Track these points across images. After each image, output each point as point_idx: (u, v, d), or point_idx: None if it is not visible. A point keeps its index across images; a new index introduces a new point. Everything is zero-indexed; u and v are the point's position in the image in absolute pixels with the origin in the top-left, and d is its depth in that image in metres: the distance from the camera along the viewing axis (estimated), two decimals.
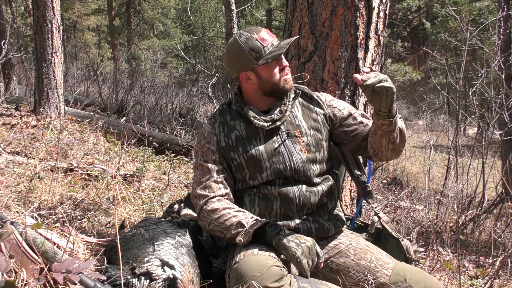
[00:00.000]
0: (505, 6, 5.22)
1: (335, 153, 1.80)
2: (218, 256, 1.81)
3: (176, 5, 21.14)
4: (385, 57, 15.32)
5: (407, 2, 17.66)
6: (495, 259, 2.61)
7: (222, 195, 1.58)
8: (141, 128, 5.34)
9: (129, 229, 1.71)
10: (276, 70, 1.58)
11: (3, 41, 6.13)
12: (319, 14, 2.12)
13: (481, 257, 2.78)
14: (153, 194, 3.02)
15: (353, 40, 2.10)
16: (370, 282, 1.40)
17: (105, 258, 1.66)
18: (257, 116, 1.58)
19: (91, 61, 12.13)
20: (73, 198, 2.55)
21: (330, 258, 1.58)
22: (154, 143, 4.76)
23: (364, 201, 1.81)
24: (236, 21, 4.19)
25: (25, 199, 2.35)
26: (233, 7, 4.15)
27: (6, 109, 5.12)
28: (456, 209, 3.57)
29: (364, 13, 2.10)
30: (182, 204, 2.08)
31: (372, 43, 2.15)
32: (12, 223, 1.45)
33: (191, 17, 8.33)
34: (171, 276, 1.36)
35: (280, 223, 1.54)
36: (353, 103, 2.16)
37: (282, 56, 1.59)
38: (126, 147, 4.50)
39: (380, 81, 1.37)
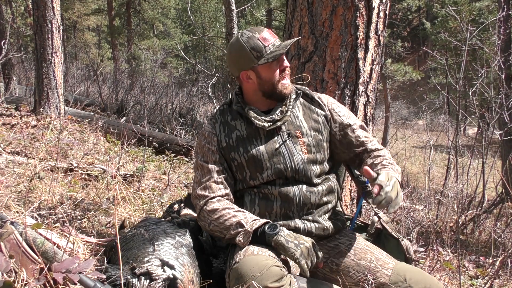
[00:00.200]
0: (505, 6, 5.21)
1: None
2: (218, 256, 1.81)
3: (176, 5, 21.14)
4: (385, 57, 15.30)
5: (407, 2, 17.64)
6: (495, 259, 2.61)
7: (222, 196, 1.58)
8: (141, 128, 5.34)
9: (129, 229, 1.71)
10: (277, 71, 1.58)
11: (3, 41, 6.13)
12: (319, 14, 2.12)
13: (481, 257, 2.78)
14: (153, 194, 3.02)
15: (353, 40, 2.10)
16: (370, 282, 1.40)
17: (105, 258, 1.66)
18: (257, 116, 1.58)
19: (91, 61, 12.14)
20: (73, 198, 2.55)
21: (330, 258, 1.58)
22: (154, 143, 4.76)
23: (364, 201, 1.81)
24: (236, 21, 4.19)
25: (25, 199, 2.35)
26: (233, 7, 4.15)
27: (6, 109, 5.12)
28: (456, 209, 3.57)
29: (364, 13, 2.10)
30: (182, 204, 2.08)
31: (372, 43, 2.15)
32: (12, 223, 1.45)
33: (191, 17, 8.32)
34: (171, 276, 1.36)
35: (280, 223, 1.54)
36: (353, 103, 2.16)
37: (284, 57, 1.59)
38: (126, 147, 4.50)
39: (389, 204, 1.36)
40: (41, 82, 5.14)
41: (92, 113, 6.11)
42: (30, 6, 9.45)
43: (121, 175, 3.14)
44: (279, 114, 1.59)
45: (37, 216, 2.07)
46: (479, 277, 2.41)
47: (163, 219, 1.83)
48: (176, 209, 2.04)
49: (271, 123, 1.58)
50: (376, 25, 2.15)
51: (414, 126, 19.43)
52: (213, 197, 1.56)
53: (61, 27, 5.32)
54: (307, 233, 1.55)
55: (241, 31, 1.62)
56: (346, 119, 1.68)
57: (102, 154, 4.11)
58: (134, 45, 19.02)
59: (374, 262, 1.51)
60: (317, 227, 1.58)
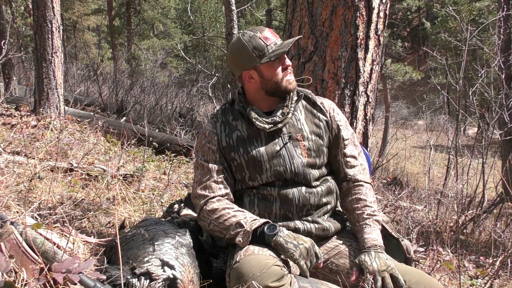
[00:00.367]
0: (505, 6, 5.22)
1: None
2: (218, 256, 1.81)
3: (176, 5, 21.13)
4: (385, 57, 15.29)
5: (407, 2, 17.62)
6: (495, 259, 2.60)
7: (222, 195, 1.58)
8: (141, 128, 5.34)
9: (129, 229, 1.71)
10: (279, 69, 1.58)
11: (3, 41, 6.13)
12: (319, 14, 2.12)
13: (481, 257, 2.78)
14: (153, 194, 3.02)
15: (353, 40, 2.10)
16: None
17: (105, 258, 1.66)
18: (259, 117, 1.58)
19: (91, 61, 12.14)
20: (73, 198, 2.55)
21: (330, 258, 1.57)
22: (154, 143, 4.76)
23: None
24: (236, 21, 4.18)
25: (25, 199, 2.34)
26: (233, 7, 4.14)
27: (6, 109, 5.11)
28: (456, 209, 3.57)
29: (364, 13, 2.10)
30: (182, 204, 2.07)
31: (372, 43, 2.15)
32: (12, 223, 1.45)
33: (191, 17, 8.33)
34: (171, 276, 1.36)
35: (279, 224, 1.54)
36: (353, 103, 2.16)
37: (285, 56, 1.59)
38: (126, 147, 4.50)
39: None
40: (41, 82, 5.13)
41: (92, 113, 6.10)
42: (30, 6, 9.45)
43: (121, 175, 3.13)
44: (280, 116, 1.59)
45: (37, 216, 2.07)
46: (479, 277, 2.41)
47: (163, 219, 1.83)
48: (176, 209, 2.03)
49: (272, 125, 1.58)
50: (376, 25, 2.15)
51: (414, 126, 19.44)
52: (213, 197, 1.56)
53: (61, 27, 5.32)
54: (307, 233, 1.55)
55: (242, 31, 1.62)
56: (343, 129, 1.68)
57: (102, 154, 4.11)
58: (134, 45, 19.01)
59: None
60: (317, 228, 1.58)
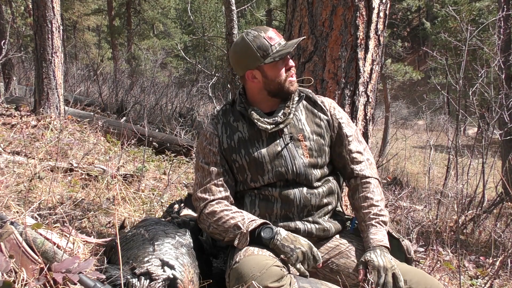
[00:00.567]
0: (505, 6, 5.22)
1: None
2: (218, 256, 1.81)
3: (176, 5, 21.12)
4: (385, 57, 15.29)
5: (407, 2, 17.62)
6: (495, 259, 2.61)
7: (222, 198, 1.57)
8: (141, 128, 5.34)
9: (129, 229, 1.71)
10: (283, 70, 1.57)
11: (3, 41, 6.13)
12: (319, 14, 2.12)
13: (481, 257, 2.78)
14: (153, 194, 3.02)
15: (353, 40, 2.10)
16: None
17: (105, 258, 1.66)
18: (260, 118, 1.58)
19: (91, 61, 12.14)
20: (73, 198, 2.55)
21: (330, 258, 1.57)
22: (154, 143, 4.76)
23: None
24: (236, 21, 4.18)
25: (25, 199, 2.34)
26: (233, 7, 4.14)
27: (6, 109, 5.11)
28: (456, 209, 3.57)
29: (364, 13, 2.10)
30: (182, 204, 2.07)
31: (372, 43, 2.15)
32: (12, 223, 1.45)
33: (191, 17, 8.34)
34: (171, 276, 1.36)
35: (280, 224, 1.54)
36: (353, 103, 2.16)
37: (289, 56, 1.59)
38: (126, 147, 4.50)
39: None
40: (41, 82, 5.13)
41: (92, 113, 6.11)
42: (30, 6, 9.45)
43: (121, 175, 3.13)
44: (282, 117, 1.59)
45: (37, 216, 2.07)
46: (479, 277, 2.41)
47: (163, 219, 1.83)
48: (176, 209, 2.04)
49: (274, 126, 1.57)
50: (376, 25, 2.15)
51: (414, 126, 19.44)
52: (213, 200, 1.56)
53: (61, 27, 5.32)
54: (308, 234, 1.55)
55: (246, 30, 1.61)
56: (345, 127, 1.67)
57: (102, 154, 4.11)
58: (134, 45, 19.02)
59: None
60: (318, 228, 1.58)
